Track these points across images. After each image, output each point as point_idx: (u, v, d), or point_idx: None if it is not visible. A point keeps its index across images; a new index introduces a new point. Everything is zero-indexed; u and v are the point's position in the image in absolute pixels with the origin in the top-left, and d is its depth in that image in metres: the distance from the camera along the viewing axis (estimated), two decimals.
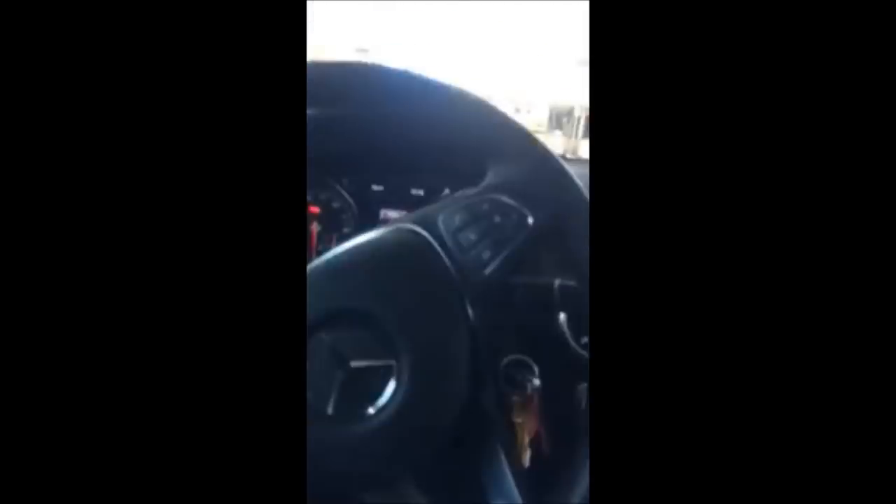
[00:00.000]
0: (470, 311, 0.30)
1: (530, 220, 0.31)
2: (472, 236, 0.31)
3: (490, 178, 0.33)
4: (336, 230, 0.55)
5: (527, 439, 0.42)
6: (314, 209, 0.54)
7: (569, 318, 0.41)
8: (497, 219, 0.31)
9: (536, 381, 0.44)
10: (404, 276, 0.30)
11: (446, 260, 0.30)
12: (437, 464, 0.29)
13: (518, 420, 0.42)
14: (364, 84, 0.36)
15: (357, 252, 0.31)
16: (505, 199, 0.32)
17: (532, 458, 0.41)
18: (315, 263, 0.30)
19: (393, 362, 0.28)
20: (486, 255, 0.31)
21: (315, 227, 0.55)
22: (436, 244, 0.30)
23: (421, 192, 0.54)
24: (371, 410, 0.27)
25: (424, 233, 0.31)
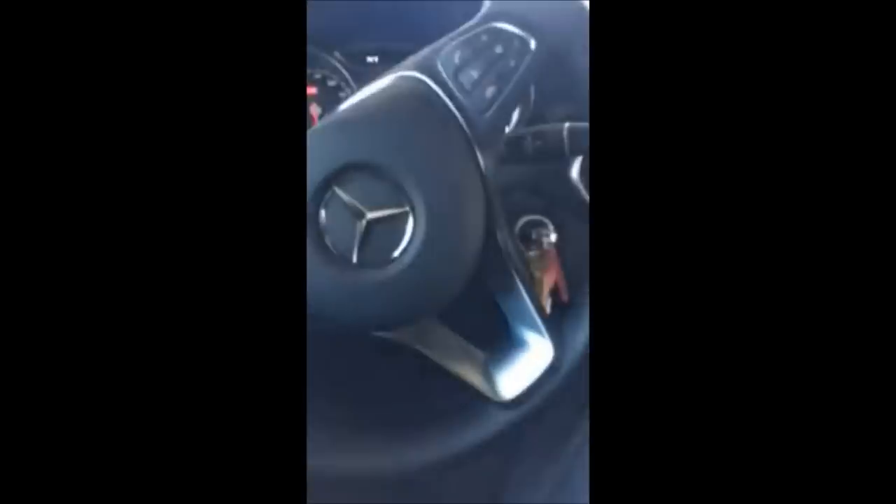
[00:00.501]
0: (479, 154, 0.29)
1: (532, 45, 0.29)
2: (474, 73, 0.29)
3: (487, 6, 0.30)
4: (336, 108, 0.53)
5: (546, 290, 0.43)
6: (311, 90, 0.52)
7: (581, 166, 0.41)
8: (498, 49, 0.29)
9: (553, 237, 0.45)
10: (410, 125, 0.29)
11: (450, 104, 0.29)
12: (461, 301, 0.31)
13: (537, 274, 0.44)
14: None
15: (361, 106, 0.30)
16: (504, 25, 0.29)
17: (553, 306, 0.43)
18: (322, 121, 0.29)
19: (407, 209, 0.28)
20: (491, 91, 0.29)
21: (315, 110, 0.53)
22: (438, 89, 0.29)
23: None
24: (394, 255, 0.28)
25: (425, 78, 0.29)
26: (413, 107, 0.29)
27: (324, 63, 0.51)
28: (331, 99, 0.53)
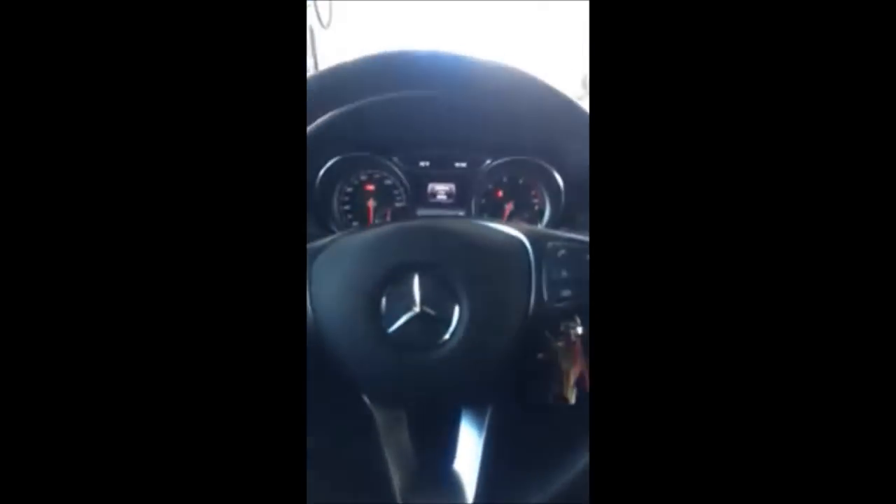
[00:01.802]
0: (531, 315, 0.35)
1: None
2: (565, 273, 0.35)
3: None
4: (389, 204, 0.60)
5: (572, 381, 0.46)
6: (370, 187, 0.60)
7: None
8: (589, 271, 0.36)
9: (580, 329, 0.48)
10: (492, 263, 0.35)
11: (533, 277, 0.35)
12: (493, 396, 0.35)
13: (563, 365, 0.47)
14: (412, 70, 0.41)
15: (475, 228, 0.36)
16: None
17: (578, 397, 0.45)
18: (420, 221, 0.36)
19: (454, 321, 0.33)
20: (566, 293, 0.35)
21: (371, 203, 0.60)
22: (532, 260, 0.35)
23: (464, 165, 0.59)
24: (439, 341, 0.33)
25: (529, 246, 0.36)
26: (505, 254, 0.35)
27: (382, 165, 0.59)
28: (386, 196, 0.60)
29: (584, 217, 0.42)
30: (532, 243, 0.36)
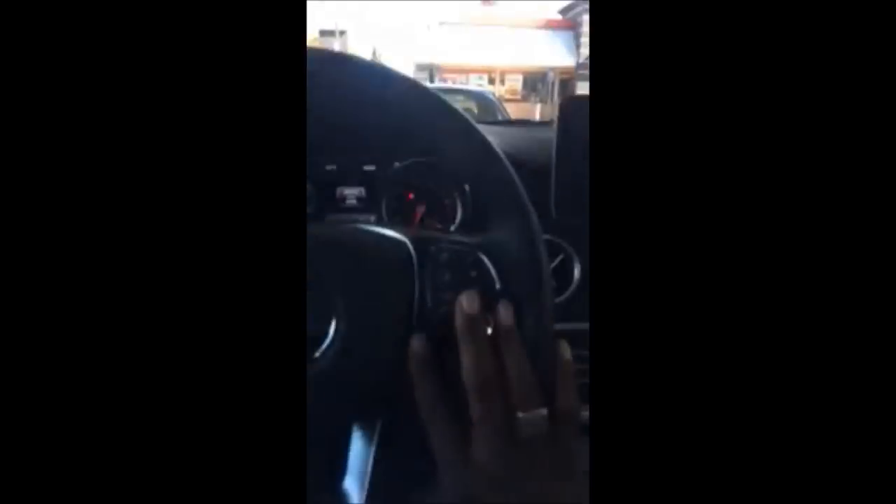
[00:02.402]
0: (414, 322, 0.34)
1: (497, 286, 0.35)
2: (447, 276, 0.34)
3: (486, 235, 0.36)
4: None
5: None
6: None
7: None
8: (473, 273, 0.35)
9: None
10: (371, 271, 0.34)
11: (416, 281, 0.34)
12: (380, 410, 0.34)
13: None
14: (321, 71, 0.39)
15: (350, 233, 0.35)
16: (485, 260, 0.35)
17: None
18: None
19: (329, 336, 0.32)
20: (447, 297, 0.34)
21: None
22: (416, 264, 0.34)
23: (372, 168, 0.58)
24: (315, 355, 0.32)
25: (412, 251, 0.34)
26: (384, 258, 0.34)
27: None
28: None
29: (495, 223, 0.41)
30: (415, 246, 0.35)
